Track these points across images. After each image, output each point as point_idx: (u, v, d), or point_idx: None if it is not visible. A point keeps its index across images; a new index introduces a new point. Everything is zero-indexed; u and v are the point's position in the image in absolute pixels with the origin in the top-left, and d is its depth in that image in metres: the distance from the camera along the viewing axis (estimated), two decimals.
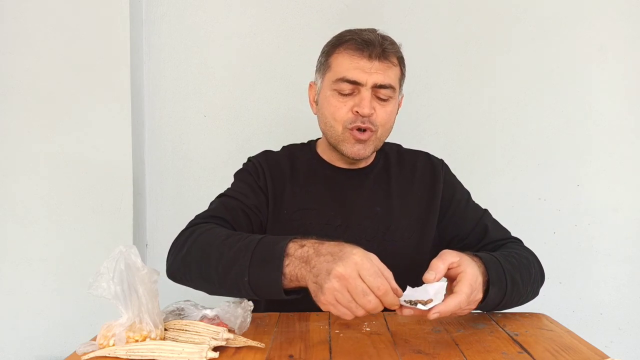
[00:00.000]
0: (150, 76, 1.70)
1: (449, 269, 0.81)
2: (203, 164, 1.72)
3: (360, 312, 0.72)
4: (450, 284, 0.83)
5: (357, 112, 1.02)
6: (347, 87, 1.02)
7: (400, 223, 1.09)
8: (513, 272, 0.92)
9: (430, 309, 0.76)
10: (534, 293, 1.02)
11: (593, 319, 1.72)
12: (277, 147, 1.22)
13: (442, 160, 1.20)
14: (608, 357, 0.76)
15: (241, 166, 1.18)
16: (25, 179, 1.60)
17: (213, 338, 0.76)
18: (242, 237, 0.86)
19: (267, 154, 1.18)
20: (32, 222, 1.61)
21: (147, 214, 1.73)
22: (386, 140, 1.19)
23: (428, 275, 0.79)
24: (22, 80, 1.59)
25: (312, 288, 0.75)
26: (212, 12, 1.69)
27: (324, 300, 0.73)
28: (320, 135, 1.21)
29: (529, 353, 0.78)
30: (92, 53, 1.59)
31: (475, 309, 0.87)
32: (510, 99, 1.71)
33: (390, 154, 1.18)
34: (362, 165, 1.14)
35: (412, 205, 1.12)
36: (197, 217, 1.03)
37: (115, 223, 1.61)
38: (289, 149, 1.19)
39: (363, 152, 1.05)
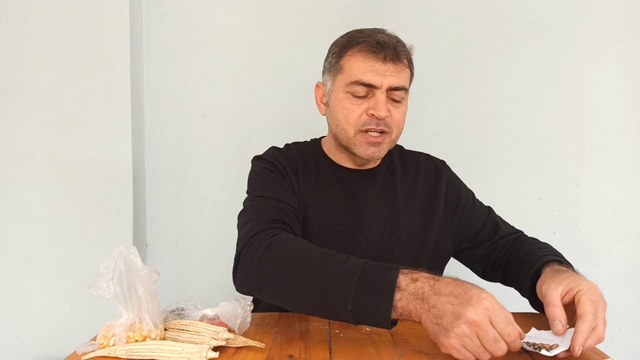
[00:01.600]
0: (150, 76, 1.70)
1: (564, 304, 0.80)
2: (203, 164, 1.72)
3: (486, 357, 0.70)
4: (572, 309, 0.80)
5: (372, 114, 1.01)
6: (361, 90, 1.02)
7: (405, 225, 1.09)
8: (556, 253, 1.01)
9: (567, 351, 0.73)
10: None
11: None
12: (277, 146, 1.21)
13: (443, 162, 1.21)
14: (608, 357, 0.76)
15: (245, 165, 1.16)
16: (25, 179, 1.60)
17: (213, 338, 0.76)
18: (340, 259, 0.81)
19: (277, 149, 1.15)
20: (32, 222, 1.61)
21: (147, 214, 1.73)
22: None
23: (556, 329, 0.77)
24: (22, 80, 1.59)
25: (431, 329, 0.73)
26: (212, 12, 1.69)
27: (449, 344, 0.71)
28: (320, 134, 1.21)
29: (529, 353, 0.78)
30: (92, 53, 1.59)
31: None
32: (510, 99, 1.71)
33: (394, 155, 1.18)
34: (370, 166, 1.13)
35: (415, 207, 1.12)
36: (253, 220, 0.95)
37: (115, 223, 1.61)
38: (296, 146, 1.17)
39: (377, 154, 1.05)
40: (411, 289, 0.75)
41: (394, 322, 0.77)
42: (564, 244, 1.70)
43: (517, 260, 1.05)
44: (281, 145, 1.20)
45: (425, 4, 1.69)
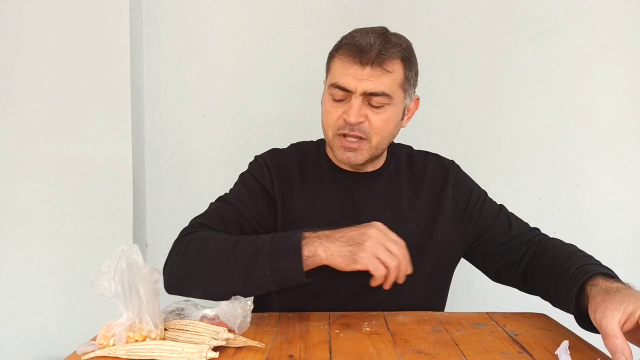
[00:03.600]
0: (150, 76, 1.70)
1: (625, 331, 0.73)
2: (203, 164, 1.72)
3: (393, 262, 0.86)
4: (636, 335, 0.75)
5: (345, 119, 1.01)
6: (339, 93, 1.01)
7: (410, 228, 1.06)
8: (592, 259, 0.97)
9: None
10: None
11: None
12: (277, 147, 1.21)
13: (452, 162, 1.17)
14: (608, 357, 0.76)
15: (245, 165, 1.17)
16: (25, 179, 1.60)
17: (213, 338, 0.76)
18: (253, 238, 0.94)
19: (274, 152, 1.15)
20: (32, 222, 1.61)
21: (147, 214, 1.73)
22: (397, 142, 1.18)
23: None
24: (22, 80, 1.59)
25: (343, 253, 0.87)
26: (212, 12, 1.69)
27: (365, 255, 0.86)
28: (320, 135, 1.21)
29: (529, 353, 0.78)
30: (92, 53, 1.59)
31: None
32: (510, 99, 1.71)
33: (401, 157, 1.16)
34: (370, 169, 1.11)
35: (421, 210, 1.10)
36: (190, 224, 1.05)
37: (115, 223, 1.61)
38: (298, 147, 1.17)
39: (354, 160, 1.03)
40: (314, 235, 0.90)
41: (308, 275, 0.88)
42: None
43: (546, 269, 1.00)
44: (286, 145, 1.19)
45: (425, 4, 1.69)
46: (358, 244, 0.87)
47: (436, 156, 1.18)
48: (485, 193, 1.18)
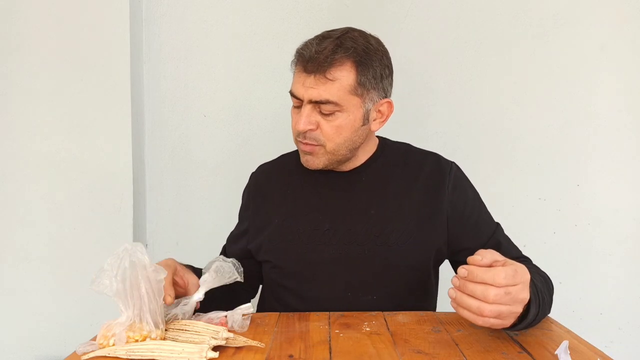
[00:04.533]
0: (150, 76, 1.70)
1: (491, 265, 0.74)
2: (203, 164, 1.72)
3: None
4: None
5: None
6: (295, 101, 1.04)
7: (396, 226, 1.05)
8: (544, 293, 0.85)
9: None
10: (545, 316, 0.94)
11: (593, 319, 1.72)
12: (277, 147, 1.23)
13: (452, 163, 1.14)
14: (608, 357, 0.76)
15: (245, 165, 1.24)
16: (25, 179, 1.60)
17: (213, 338, 0.76)
18: None
19: (259, 169, 1.22)
20: (32, 222, 1.61)
21: (147, 214, 1.73)
22: (392, 140, 1.18)
23: (473, 258, 0.74)
24: (22, 80, 1.59)
25: None
26: (212, 12, 1.69)
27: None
28: None
29: (529, 353, 0.78)
30: (92, 53, 1.59)
31: (513, 327, 0.79)
32: (510, 99, 1.71)
33: (395, 152, 1.14)
34: (349, 167, 1.11)
35: (411, 208, 1.07)
36: None
37: (115, 223, 1.61)
38: (282, 158, 1.22)
39: (312, 163, 1.05)
40: None
41: None
42: (564, 244, 1.72)
43: None
44: (278, 147, 1.23)
45: (425, 4, 1.69)
46: None
47: (436, 156, 1.15)
48: (482, 206, 1.13)
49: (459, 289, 0.75)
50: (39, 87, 1.59)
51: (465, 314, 0.74)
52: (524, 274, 0.75)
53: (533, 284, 0.79)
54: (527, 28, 1.69)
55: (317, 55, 0.97)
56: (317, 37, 1.03)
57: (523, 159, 1.72)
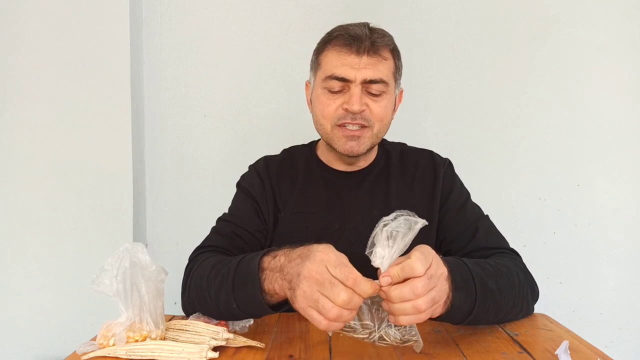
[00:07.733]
0: (150, 76, 1.70)
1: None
2: (203, 164, 1.72)
3: (332, 313, 0.65)
4: None
5: (346, 109, 1.00)
6: (336, 85, 1.01)
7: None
8: (485, 278, 0.82)
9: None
10: (524, 309, 0.93)
11: (593, 319, 1.73)
12: (277, 147, 1.22)
13: (445, 160, 1.15)
14: (608, 357, 0.76)
15: (245, 165, 1.17)
16: (25, 179, 1.60)
17: (213, 338, 0.76)
18: (225, 263, 0.86)
19: (266, 160, 1.16)
20: (32, 222, 1.61)
21: (147, 214, 1.73)
22: (389, 140, 1.18)
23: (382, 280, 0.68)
24: (22, 80, 1.59)
25: (289, 296, 0.72)
26: (212, 12, 1.69)
27: (298, 306, 0.69)
28: None
29: (529, 353, 0.78)
30: (92, 53, 1.59)
31: (440, 317, 0.76)
32: (510, 98, 1.71)
33: (393, 153, 1.15)
34: (361, 166, 1.11)
35: (411, 207, 1.07)
36: (196, 249, 1.03)
37: (115, 223, 1.61)
38: (289, 152, 1.18)
39: (357, 149, 1.02)
40: (272, 265, 0.77)
41: (276, 307, 0.80)
42: (564, 244, 1.72)
43: None
44: (278, 147, 1.20)
45: (425, 4, 1.69)
46: (293, 290, 0.70)
47: (430, 153, 1.16)
48: (468, 196, 1.13)
49: (387, 299, 0.68)
50: (39, 87, 1.59)
51: (405, 319, 0.68)
52: (429, 250, 0.72)
53: (468, 271, 0.78)
54: (527, 28, 1.69)
55: (368, 35, 0.99)
56: (349, 24, 1.03)
57: (523, 159, 1.72)
